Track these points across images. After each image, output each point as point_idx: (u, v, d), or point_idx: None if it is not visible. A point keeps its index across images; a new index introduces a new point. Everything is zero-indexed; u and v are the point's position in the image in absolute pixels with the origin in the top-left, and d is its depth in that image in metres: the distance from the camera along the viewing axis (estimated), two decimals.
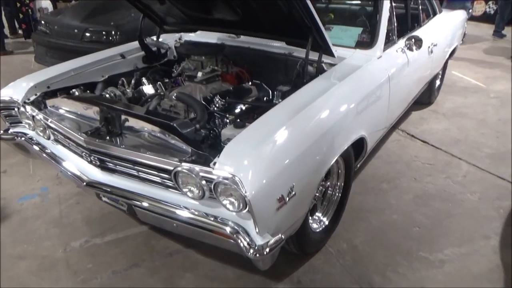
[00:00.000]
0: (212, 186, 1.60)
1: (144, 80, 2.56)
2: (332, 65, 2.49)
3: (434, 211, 2.69)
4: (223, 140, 1.87)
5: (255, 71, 2.76)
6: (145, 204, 1.82)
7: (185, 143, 1.75)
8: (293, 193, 1.66)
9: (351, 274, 2.17)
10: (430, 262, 2.26)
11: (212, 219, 1.67)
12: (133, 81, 2.59)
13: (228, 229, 1.62)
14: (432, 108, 4.39)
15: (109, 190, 1.92)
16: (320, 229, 2.26)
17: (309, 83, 2.20)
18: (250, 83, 2.62)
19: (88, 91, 2.56)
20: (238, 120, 2.00)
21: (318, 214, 2.31)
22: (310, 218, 2.20)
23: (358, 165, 2.60)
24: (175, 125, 1.83)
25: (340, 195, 2.40)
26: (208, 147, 1.90)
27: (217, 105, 2.21)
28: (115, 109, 1.96)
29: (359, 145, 2.36)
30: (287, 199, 1.63)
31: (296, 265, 2.22)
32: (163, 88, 2.50)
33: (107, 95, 2.41)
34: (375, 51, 2.57)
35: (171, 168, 1.70)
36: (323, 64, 2.52)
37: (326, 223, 2.31)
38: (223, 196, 1.62)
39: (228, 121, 2.04)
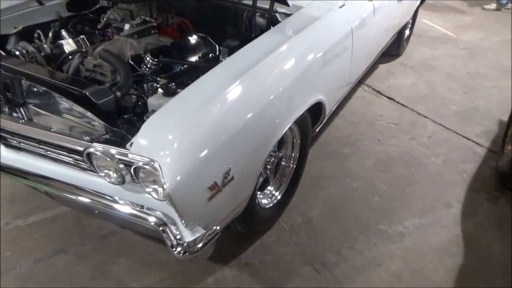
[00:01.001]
0: (132, 171, 1.31)
1: (63, 32, 2.13)
2: (287, 15, 2.14)
3: (396, 178, 2.52)
4: (150, 111, 1.55)
5: (200, 22, 2.37)
6: (54, 189, 1.52)
7: (98, 117, 1.42)
8: (230, 176, 1.39)
9: (304, 253, 1.99)
10: (388, 236, 2.10)
11: (134, 207, 1.40)
12: (50, 34, 2.15)
13: (152, 220, 1.36)
14: (400, 61, 4.14)
15: (11, 172, 1.60)
16: (272, 204, 2.04)
17: (258, 38, 1.86)
18: (195, 36, 2.23)
19: None
20: (170, 85, 1.66)
21: (270, 188, 2.08)
22: (258, 193, 1.96)
23: (317, 130, 2.35)
24: (87, 93, 1.49)
25: (295, 166, 2.16)
26: (131, 121, 1.58)
27: (148, 65, 1.85)
28: (10, 72, 1.58)
29: (316, 109, 2.09)
30: (222, 185, 1.36)
31: (244, 244, 2.01)
32: (87, 43, 2.09)
33: (17, 52, 1.99)
34: None
35: (81, 148, 1.39)
36: (277, 14, 2.17)
37: (279, 197, 2.08)
38: (146, 183, 1.34)
39: (158, 86, 1.70)
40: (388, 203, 2.31)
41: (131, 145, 1.29)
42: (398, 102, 3.38)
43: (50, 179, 1.54)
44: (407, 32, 4.18)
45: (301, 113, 1.83)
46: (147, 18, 2.08)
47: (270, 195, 2.06)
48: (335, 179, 2.49)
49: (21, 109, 1.62)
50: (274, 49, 1.73)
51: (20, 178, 1.61)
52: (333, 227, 2.15)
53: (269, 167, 1.99)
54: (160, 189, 1.31)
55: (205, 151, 1.29)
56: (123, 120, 1.64)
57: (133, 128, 1.46)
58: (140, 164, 1.25)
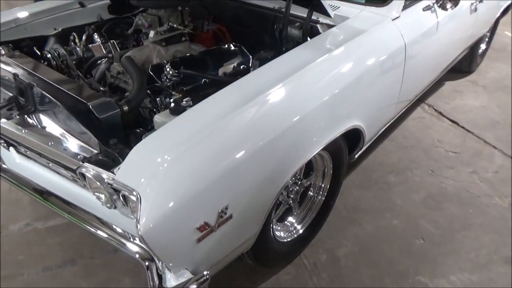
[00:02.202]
0: (122, 197, 1.18)
1: (95, 36, 2.08)
2: (330, 27, 1.90)
3: (447, 219, 2.16)
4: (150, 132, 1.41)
5: (237, 30, 2.20)
6: (52, 203, 1.45)
7: (97, 132, 1.31)
8: (228, 215, 1.21)
9: None
10: None
11: (117, 232, 1.27)
12: (84, 37, 2.12)
13: (135, 251, 1.21)
14: (471, 78, 3.66)
15: (16, 182, 1.55)
16: (291, 238, 1.81)
17: (288, 52, 1.66)
18: (227, 46, 2.07)
19: (35, 48, 2.13)
20: (185, 100, 1.51)
21: (292, 219, 1.86)
22: (276, 225, 1.75)
23: (356, 157, 2.08)
24: (90, 106, 1.39)
25: (324, 198, 1.92)
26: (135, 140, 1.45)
27: (168, 76, 1.72)
28: (24, 76, 1.53)
29: (354, 134, 1.83)
30: (216, 226, 1.18)
31: (257, 279, 1.81)
32: (117, 48, 2.02)
33: (49, 55, 1.97)
34: (390, 9, 1.95)
35: (74, 167, 1.29)
36: (318, 26, 1.94)
37: (301, 231, 1.85)
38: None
39: (171, 101, 1.55)
40: (433, 250, 1.98)
41: (119, 169, 1.16)
42: (463, 127, 2.96)
43: (46, 192, 1.47)
44: (482, 46, 3.69)
45: (331, 140, 1.59)
46: (175, 25, 1.95)
47: (290, 228, 1.84)
48: (373, 213, 2.19)
49: (31, 116, 1.58)
50: (302, 66, 1.52)
51: (22, 187, 1.56)
52: (362, 271, 1.87)
53: (292, 196, 1.78)
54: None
55: (197, 185, 1.12)
56: (135, 135, 1.53)
57: None
58: (126, 192, 1.12)
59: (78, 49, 2.08)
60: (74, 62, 1.99)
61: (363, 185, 2.40)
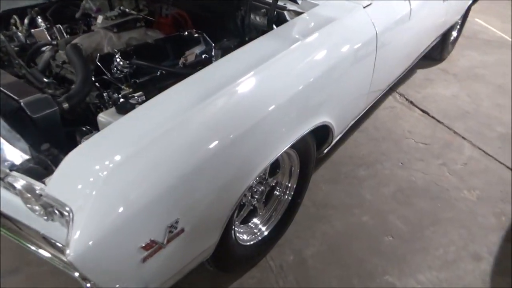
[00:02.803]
0: (57, 211, 1.03)
1: (39, 19, 1.87)
2: (298, 14, 1.77)
3: (416, 214, 2.11)
4: (93, 133, 1.26)
5: (198, 15, 2.04)
6: None
7: (24, 135, 1.15)
8: (179, 229, 1.08)
9: None
10: None
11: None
12: (26, 21, 1.90)
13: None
14: (442, 66, 3.62)
15: None
16: (255, 241, 1.71)
17: (253, 41, 1.52)
18: (187, 33, 1.90)
19: None
20: (136, 96, 1.36)
21: (256, 220, 1.75)
22: (238, 227, 1.64)
23: (325, 152, 1.99)
24: (22, 103, 1.22)
25: (291, 198, 1.82)
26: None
27: (118, 67, 1.55)
28: None
29: (323, 130, 1.73)
30: (165, 242, 1.05)
31: (220, 283, 1.71)
32: (64, 34, 1.83)
33: None
34: None
35: (2, 175, 1.12)
36: (285, 13, 1.80)
37: (265, 233, 1.75)
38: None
39: (120, 96, 1.39)
40: (402, 247, 1.93)
41: (50, 180, 1.01)
42: (433, 117, 2.92)
43: None
44: (454, 33, 3.65)
45: (298, 138, 1.48)
46: (127, 10, 1.77)
47: (254, 230, 1.73)
48: (342, 209, 2.12)
49: None
50: (267, 58, 1.38)
51: None
52: (330, 272, 1.80)
53: (256, 196, 1.67)
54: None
55: (141, 199, 0.98)
56: (81, 133, 1.36)
57: None
58: (56, 207, 0.97)
59: (20, 34, 1.87)
60: (16, 49, 1.79)
61: (333, 179, 2.32)
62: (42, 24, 1.86)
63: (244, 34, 1.68)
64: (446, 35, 3.33)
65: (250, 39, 1.56)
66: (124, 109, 1.24)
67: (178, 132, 1.10)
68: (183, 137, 1.09)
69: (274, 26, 1.72)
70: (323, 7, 1.77)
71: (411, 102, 3.09)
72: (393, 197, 2.22)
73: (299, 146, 1.64)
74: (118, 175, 0.97)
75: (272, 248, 1.85)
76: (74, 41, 1.71)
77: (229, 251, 1.53)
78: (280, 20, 1.78)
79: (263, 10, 1.80)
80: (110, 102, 1.41)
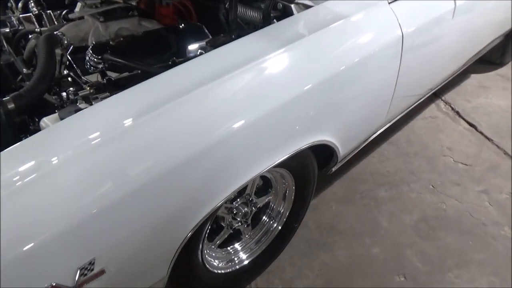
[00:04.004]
0: None
1: (31, 3, 1.75)
2: (308, 7, 1.50)
3: (440, 251, 1.78)
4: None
5: (204, 6, 1.82)
6: None
7: None
8: (97, 271, 0.90)
9: None
10: None
11: None
12: (20, 4, 1.79)
13: None
14: (502, 72, 3.12)
15: None
16: (231, 270, 1.49)
17: (241, 39, 1.29)
18: (183, 25, 1.69)
19: None
20: (100, 98, 1.19)
21: (237, 246, 1.53)
22: (211, 250, 1.43)
23: (334, 170, 1.71)
24: None
25: (281, 227, 1.58)
26: None
27: (90, 63, 1.38)
28: None
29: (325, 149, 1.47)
30: (78, 285, 0.87)
31: None
32: (54, 20, 1.70)
33: None
34: None
35: None
36: (293, 6, 1.53)
37: (246, 262, 1.53)
38: None
39: (77, 98, 1.22)
40: None
41: None
42: (481, 132, 2.50)
43: None
44: None
45: (280, 161, 1.23)
46: None
47: (232, 257, 1.51)
48: (350, 236, 1.84)
49: None
50: (250, 60, 1.15)
51: None
52: None
53: (238, 219, 1.45)
54: None
55: (44, 232, 0.80)
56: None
57: None
58: None
59: (13, 18, 1.77)
60: (11, 34, 1.69)
61: (346, 199, 2.03)
62: (34, 9, 1.74)
63: (230, 31, 1.44)
64: (509, 36, 2.84)
65: (240, 36, 1.33)
66: (68, 114, 1.07)
67: (105, 150, 0.90)
68: (111, 157, 0.90)
69: (275, 21, 1.47)
70: (338, 1, 1.48)
71: (457, 113, 2.67)
72: (415, 228, 1.89)
73: (292, 166, 1.40)
74: (17, 201, 0.80)
75: (258, 276, 1.62)
76: (61, 30, 1.58)
77: (194, 279, 1.33)
78: (286, 14, 1.52)
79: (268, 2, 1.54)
80: (67, 103, 1.24)
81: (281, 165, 1.32)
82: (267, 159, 1.18)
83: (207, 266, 1.35)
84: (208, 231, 1.25)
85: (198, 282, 1.35)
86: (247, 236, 1.55)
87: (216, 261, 1.42)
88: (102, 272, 0.90)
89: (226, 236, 1.46)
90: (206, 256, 1.36)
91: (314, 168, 1.51)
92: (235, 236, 1.53)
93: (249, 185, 1.40)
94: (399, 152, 2.34)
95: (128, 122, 0.96)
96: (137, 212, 0.92)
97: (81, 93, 1.21)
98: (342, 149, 1.50)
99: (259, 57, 1.17)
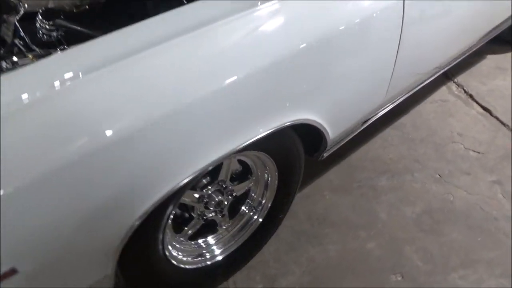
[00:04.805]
0: None
1: None
2: None
3: (444, 247, 1.60)
4: None
5: None
6: None
7: None
8: (5, 270, 0.74)
9: None
10: None
11: None
12: None
13: None
14: None
15: None
16: (202, 265, 1.32)
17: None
18: None
19: None
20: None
21: (211, 240, 1.37)
22: (178, 243, 1.27)
23: (325, 156, 1.53)
24: None
25: (261, 219, 1.41)
26: None
27: (42, 30, 1.21)
28: None
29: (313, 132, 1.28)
30: None
31: None
32: None
33: None
34: None
35: None
36: None
37: (219, 258, 1.36)
38: None
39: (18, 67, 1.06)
40: None
41: None
42: (496, 117, 2.27)
43: None
44: None
45: (249, 143, 1.05)
46: None
47: (203, 251, 1.34)
48: (344, 229, 1.66)
49: None
50: (208, 22, 0.96)
51: None
52: None
53: (211, 208, 1.28)
54: None
55: None
56: None
57: None
58: None
59: None
60: None
61: (343, 187, 1.85)
62: None
63: None
64: None
65: None
66: None
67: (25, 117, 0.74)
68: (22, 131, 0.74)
69: None
70: None
71: (471, 96, 2.44)
72: (417, 221, 1.70)
73: (272, 150, 1.22)
74: None
75: (236, 272, 1.46)
76: None
77: (157, 275, 1.17)
78: None
79: None
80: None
81: (258, 147, 1.15)
82: (235, 138, 1.01)
83: (172, 260, 1.19)
84: (169, 220, 1.09)
85: (163, 278, 1.19)
86: (224, 227, 1.39)
87: (183, 254, 1.26)
88: (12, 271, 0.74)
89: (197, 227, 1.30)
90: (171, 249, 1.20)
91: (299, 153, 1.33)
92: (212, 227, 1.36)
93: (224, 170, 1.23)
94: (404, 138, 2.14)
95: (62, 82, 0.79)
96: (59, 195, 0.76)
97: (20, 62, 1.05)
98: (332, 132, 1.31)
99: (234, 13, 0.99)
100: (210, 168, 1.04)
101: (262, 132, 1.05)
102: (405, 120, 2.25)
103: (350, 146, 1.99)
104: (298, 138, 1.30)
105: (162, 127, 0.85)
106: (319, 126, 1.22)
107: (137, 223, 0.89)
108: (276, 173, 1.34)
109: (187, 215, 1.29)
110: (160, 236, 1.09)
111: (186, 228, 1.27)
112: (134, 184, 0.87)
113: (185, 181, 0.93)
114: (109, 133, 0.78)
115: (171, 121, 0.86)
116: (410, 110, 2.30)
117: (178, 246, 1.24)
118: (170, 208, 1.04)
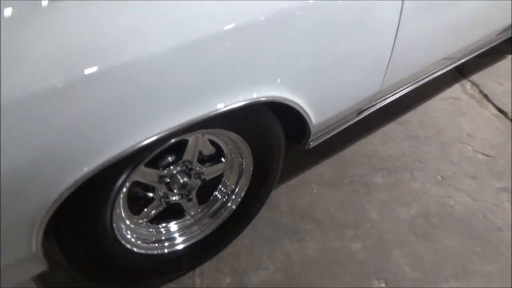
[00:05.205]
0: None
1: None
2: None
3: (437, 255, 1.45)
4: None
5: None
6: None
7: None
8: None
9: None
10: None
11: None
12: None
13: None
14: None
15: None
16: (157, 252, 1.20)
17: None
18: None
19: None
20: None
21: (172, 225, 1.25)
22: (135, 225, 1.15)
23: (312, 145, 1.39)
24: None
25: (234, 207, 1.29)
26: None
27: None
28: None
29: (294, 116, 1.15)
30: None
31: None
32: None
33: None
34: None
35: None
36: None
37: (180, 246, 1.24)
38: None
39: None
40: None
41: None
42: (511, 120, 2.09)
43: None
44: None
45: (213, 115, 0.92)
46: None
47: (162, 238, 1.22)
48: (328, 226, 1.53)
49: None
50: None
51: None
52: None
53: (175, 191, 1.16)
54: None
55: None
56: None
57: None
58: None
59: None
60: None
61: (333, 182, 1.71)
62: None
63: None
64: None
65: None
66: None
67: None
68: None
69: None
70: None
71: (486, 96, 2.26)
72: (410, 224, 1.55)
73: (244, 130, 1.09)
74: None
75: (204, 262, 1.35)
76: None
77: (102, 256, 1.06)
78: None
79: None
80: None
81: (226, 125, 1.03)
82: (193, 109, 0.88)
83: (124, 242, 1.08)
84: (118, 196, 0.98)
85: (112, 261, 1.08)
86: (192, 213, 1.27)
87: (137, 237, 1.14)
88: None
89: (160, 209, 1.18)
90: (124, 230, 1.09)
91: (278, 138, 1.20)
92: (178, 211, 1.25)
93: (189, 150, 1.11)
94: (407, 135, 1.98)
95: None
96: None
97: None
98: (315, 117, 1.17)
99: None
100: (167, 143, 0.93)
101: (225, 106, 0.92)
102: (410, 116, 2.09)
103: (345, 138, 1.86)
104: (277, 121, 1.16)
105: (106, 82, 0.74)
106: (298, 108, 1.09)
107: (66, 193, 0.78)
108: (251, 158, 1.21)
109: (151, 195, 1.18)
110: (108, 213, 0.98)
111: (145, 210, 1.15)
112: (65, 147, 0.75)
113: (118, 151, 0.81)
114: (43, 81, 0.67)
115: (115, 77, 0.74)
116: (417, 105, 2.14)
117: (133, 227, 1.13)
118: (118, 182, 0.93)
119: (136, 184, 1.12)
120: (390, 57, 1.28)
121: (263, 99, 0.99)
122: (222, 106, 0.91)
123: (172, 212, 1.24)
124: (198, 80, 0.86)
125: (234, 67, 0.90)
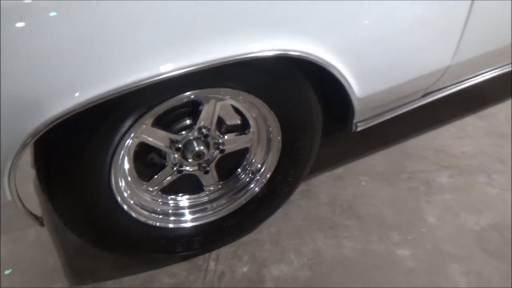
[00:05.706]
0: None
1: None
2: None
3: (507, 281, 1.15)
4: None
5: None
6: None
7: None
8: None
9: None
10: None
11: None
12: None
13: None
14: None
15: None
16: (159, 224, 1.07)
17: None
18: None
19: None
20: None
21: (184, 200, 1.12)
22: (140, 191, 1.05)
23: (360, 127, 1.18)
24: None
25: (258, 189, 1.13)
26: None
27: None
28: None
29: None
30: None
31: (126, 273, 1.19)
32: None
33: None
34: None
35: None
36: None
37: (188, 224, 1.10)
38: None
39: None
40: None
41: None
42: None
43: None
44: None
45: (210, 63, 0.77)
46: None
47: (169, 211, 1.09)
48: (372, 225, 1.30)
49: None
50: None
51: None
52: None
53: (190, 160, 1.03)
54: None
55: None
56: None
57: None
58: None
59: None
60: None
61: (386, 175, 1.47)
62: None
63: None
64: None
65: None
66: None
67: None
68: None
69: None
70: None
71: None
72: (479, 236, 1.26)
73: (268, 95, 0.93)
74: None
75: (220, 246, 1.21)
76: None
77: (109, 223, 0.97)
78: None
79: None
80: None
81: (243, 85, 0.87)
82: (193, 53, 0.74)
83: (127, 208, 0.98)
84: (114, 155, 0.87)
85: (109, 226, 0.98)
86: (212, 188, 1.14)
87: (139, 204, 1.03)
88: None
89: (173, 178, 1.06)
90: (128, 195, 0.99)
91: (312, 108, 1.01)
92: (198, 185, 1.12)
93: (204, 114, 0.97)
94: (489, 131, 1.64)
95: None
96: None
97: None
98: (360, 89, 0.96)
99: None
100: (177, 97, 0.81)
101: (255, 51, 0.77)
102: (497, 109, 1.74)
103: (408, 128, 1.60)
104: (311, 91, 0.98)
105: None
106: (334, 71, 0.89)
107: (30, 139, 0.69)
108: (280, 133, 1.03)
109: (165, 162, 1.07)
110: (105, 172, 0.88)
111: (156, 177, 1.04)
112: (36, 87, 0.66)
113: (117, 85, 0.69)
114: None
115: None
116: (507, 98, 1.78)
117: (139, 194, 1.03)
118: (120, 130, 0.82)
119: (152, 150, 1.02)
120: (465, 25, 1.01)
121: (292, 52, 0.81)
122: (254, 49, 0.76)
123: (193, 187, 1.12)
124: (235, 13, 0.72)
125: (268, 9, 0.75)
